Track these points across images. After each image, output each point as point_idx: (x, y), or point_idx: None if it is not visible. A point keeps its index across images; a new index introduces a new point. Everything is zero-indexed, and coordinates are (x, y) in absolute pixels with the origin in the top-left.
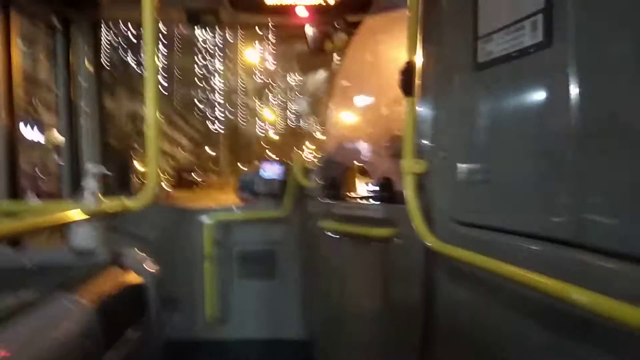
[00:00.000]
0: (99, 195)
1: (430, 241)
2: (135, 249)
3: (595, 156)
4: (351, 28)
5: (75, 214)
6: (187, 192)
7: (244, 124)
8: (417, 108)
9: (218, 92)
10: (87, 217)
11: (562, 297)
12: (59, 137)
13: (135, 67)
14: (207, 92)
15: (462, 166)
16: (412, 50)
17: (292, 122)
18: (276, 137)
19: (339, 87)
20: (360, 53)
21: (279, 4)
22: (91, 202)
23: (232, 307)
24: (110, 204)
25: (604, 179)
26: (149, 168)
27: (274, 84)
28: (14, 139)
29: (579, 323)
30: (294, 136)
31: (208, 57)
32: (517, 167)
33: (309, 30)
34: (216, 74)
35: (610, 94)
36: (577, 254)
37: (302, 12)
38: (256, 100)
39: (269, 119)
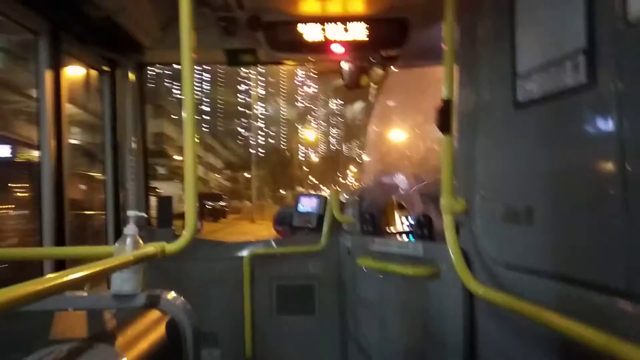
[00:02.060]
0: (139, 240)
1: (473, 286)
2: (173, 291)
3: None
4: (387, 62)
5: (115, 262)
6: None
7: (285, 148)
8: (454, 146)
9: (259, 117)
10: (126, 263)
11: (607, 350)
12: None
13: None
14: (249, 119)
15: (502, 206)
16: (448, 87)
17: (334, 147)
18: (317, 161)
19: (375, 120)
20: (395, 91)
21: (315, 41)
22: (131, 248)
23: (270, 343)
24: (150, 249)
25: None
26: (188, 211)
27: (314, 110)
28: (61, 181)
29: None
30: (335, 160)
31: (249, 86)
32: (559, 209)
33: (345, 66)
34: (258, 101)
35: None
36: (626, 305)
37: (338, 49)
38: (298, 126)
39: (310, 141)
